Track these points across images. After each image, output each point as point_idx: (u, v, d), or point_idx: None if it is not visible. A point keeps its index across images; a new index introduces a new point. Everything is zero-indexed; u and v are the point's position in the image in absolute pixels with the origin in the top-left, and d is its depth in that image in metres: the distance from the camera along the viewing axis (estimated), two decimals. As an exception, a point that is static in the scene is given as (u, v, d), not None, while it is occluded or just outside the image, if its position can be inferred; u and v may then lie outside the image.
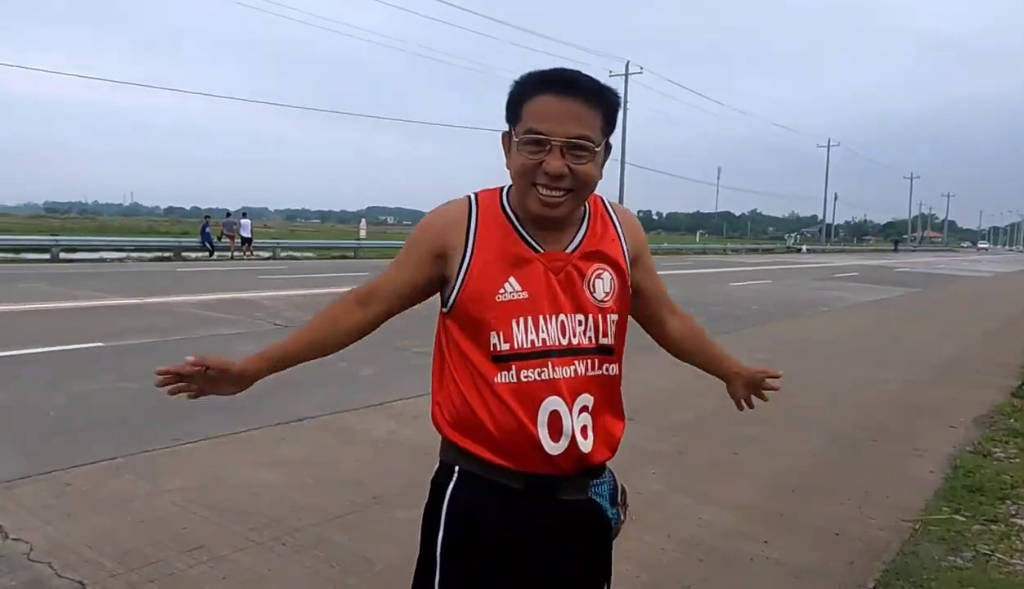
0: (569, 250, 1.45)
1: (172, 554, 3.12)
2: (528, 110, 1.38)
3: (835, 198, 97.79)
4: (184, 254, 25.76)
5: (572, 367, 1.41)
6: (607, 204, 1.57)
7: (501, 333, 1.39)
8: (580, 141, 1.35)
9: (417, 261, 1.48)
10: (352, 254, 29.22)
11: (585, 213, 1.50)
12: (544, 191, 1.37)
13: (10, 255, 22.67)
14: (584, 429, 1.42)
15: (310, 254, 29.23)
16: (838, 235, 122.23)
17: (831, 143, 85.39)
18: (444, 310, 1.48)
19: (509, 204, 1.47)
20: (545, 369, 1.39)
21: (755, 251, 58.36)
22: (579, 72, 1.38)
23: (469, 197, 1.50)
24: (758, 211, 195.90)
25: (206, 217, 29.01)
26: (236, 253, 26.45)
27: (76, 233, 31.30)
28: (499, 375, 1.39)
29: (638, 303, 1.62)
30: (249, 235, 26.88)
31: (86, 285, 14.14)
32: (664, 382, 6.85)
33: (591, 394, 1.43)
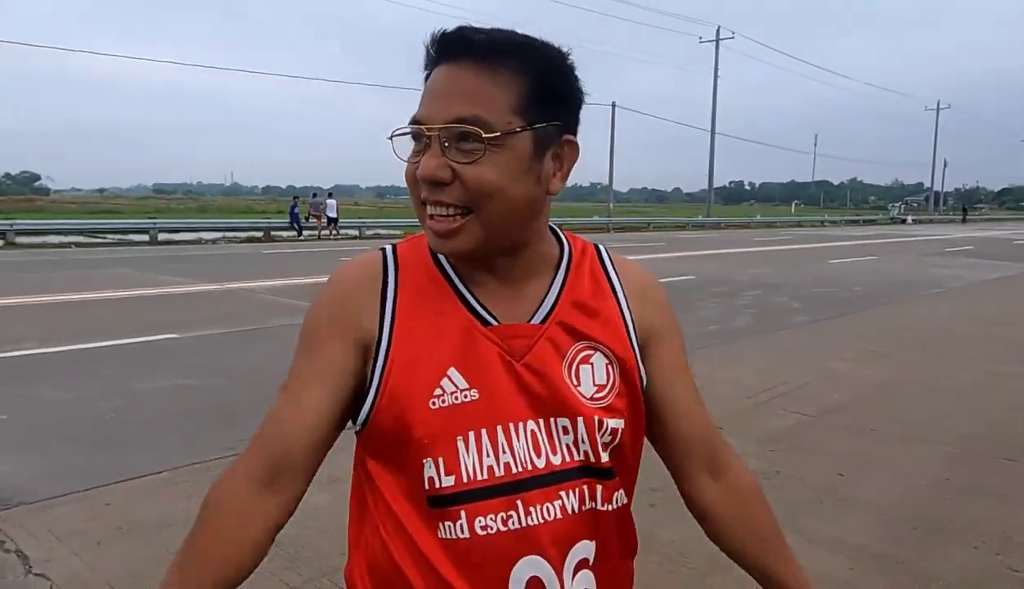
0: (537, 318, 0.95)
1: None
2: (422, 95, 0.91)
3: (944, 165, 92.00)
4: (274, 235, 26.34)
5: (557, 502, 0.92)
6: (605, 254, 1.05)
7: (441, 459, 0.90)
8: (462, 127, 0.85)
9: (330, 360, 0.94)
10: (436, 232, 29.07)
11: (562, 258, 1.00)
12: (431, 209, 0.89)
13: (117, 237, 23.92)
14: None
15: (397, 232, 29.40)
16: (947, 203, 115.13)
17: (940, 106, 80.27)
18: (355, 429, 0.98)
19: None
20: (514, 512, 0.91)
21: (855, 223, 55.51)
22: (487, 28, 0.89)
23: (383, 250, 1.01)
24: (858, 179, 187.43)
25: (295, 198, 29.56)
26: (323, 233, 26.80)
27: (178, 215, 32.69)
28: (441, 527, 0.90)
29: (651, 434, 1.06)
30: (335, 215, 27.14)
31: (172, 269, 14.43)
32: (752, 380, 6.23)
33: (593, 540, 0.95)
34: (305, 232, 26.68)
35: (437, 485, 0.90)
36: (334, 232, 27.02)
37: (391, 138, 0.92)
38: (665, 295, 1.07)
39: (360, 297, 0.95)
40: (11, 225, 21.84)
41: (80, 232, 24.05)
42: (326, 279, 1.01)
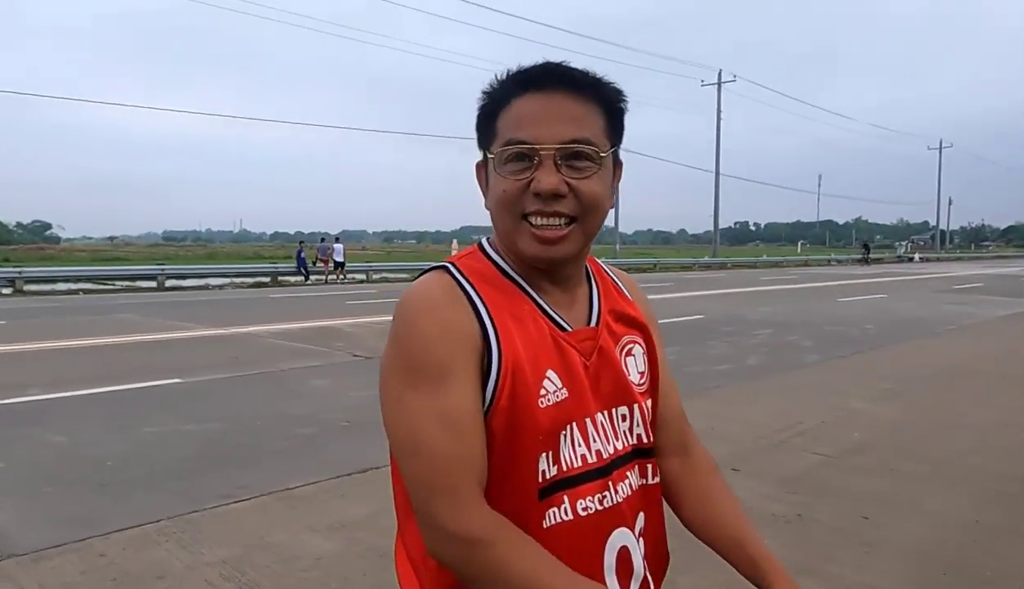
0: (593, 321, 1.10)
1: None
2: (505, 120, 1.01)
3: (949, 203, 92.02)
4: (281, 279, 26.38)
5: (626, 481, 1.09)
6: (600, 263, 1.22)
7: (549, 453, 1.01)
8: (579, 146, 0.99)
9: (467, 381, 0.97)
10: (443, 275, 29.02)
11: (586, 268, 1.16)
12: (539, 220, 0.99)
13: (125, 283, 24.02)
14: (646, 561, 1.12)
15: (404, 276, 29.39)
16: (952, 241, 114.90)
17: (943, 145, 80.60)
18: None
19: (504, 261, 1.08)
20: (607, 492, 1.05)
21: (865, 261, 55.28)
22: (567, 64, 1.03)
23: (443, 269, 1.06)
24: (863, 219, 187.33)
25: (301, 242, 29.67)
26: (330, 277, 26.82)
27: (186, 261, 32.86)
28: (547, 516, 1.00)
29: None
30: (342, 259, 27.20)
31: (178, 315, 14.38)
32: (767, 419, 6.08)
33: (644, 513, 1.13)
34: (312, 276, 26.71)
35: (547, 476, 1.00)
36: (341, 276, 27.05)
37: (492, 155, 1.01)
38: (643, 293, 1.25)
39: (459, 312, 0.99)
40: (20, 273, 21.94)
41: (89, 279, 24.17)
42: (400, 312, 1.01)
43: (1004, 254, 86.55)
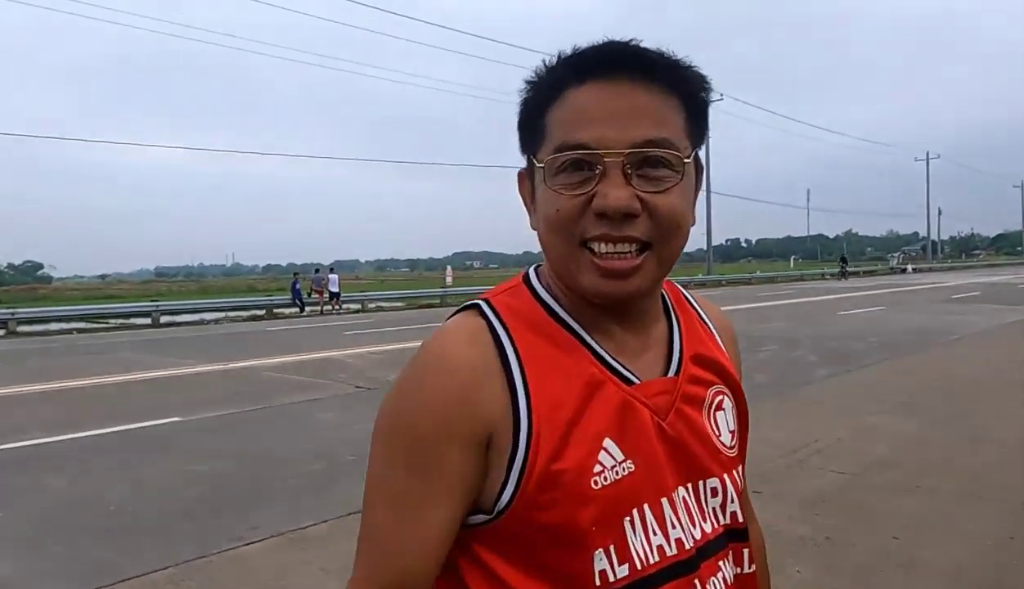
0: (672, 369, 0.86)
1: None
2: (558, 117, 0.78)
3: (939, 213, 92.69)
4: (277, 311, 26.22)
5: (720, 574, 0.85)
6: (680, 289, 0.99)
7: (612, 547, 0.77)
8: (656, 151, 0.76)
9: (452, 472, 0.77)
10: (439, 302, 29.02)
11: (665, 300, 0.93)
12: (604, 247, 0.77)
13: (119, 321, 23.84)
14: None
15: (399, 304, 29.28)
16: (943, 251, 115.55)
17: (930, 156, 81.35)
18: (473, 522, 0.80)
19: (554, 299, 0.85)
20: None
21: (855, 274, 55.42)
22: (637, 42, 0.79)
23: (479, 309, 0.83)
24: (853, 232, 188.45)
25: (295, 274, 29.60)
26: (325, 308, 26.68)
27: (179, 297, 32.72)
28: None
29: None
30: (337, 289, 27.07)
31: (174, 351, 14.22)
32: (782, 437, 5.96)
33: None
34: (308, 307, 26.56)
35: (611, 578, 0.77)
36: (336, 306, 26.92)
37: (540, 163, 0.79)
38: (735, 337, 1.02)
39: (478, 381, 0.78)
40: (12, 314, 21.73)
41: (82, 318, 23.94)
42: (412, 361, 0.81)
43: (995, 262, 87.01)
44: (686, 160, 0.77)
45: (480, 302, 0.84)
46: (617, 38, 0.78)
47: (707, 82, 0.81)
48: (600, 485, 0.76)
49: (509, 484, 0.76)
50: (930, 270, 62.40)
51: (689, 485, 0.83)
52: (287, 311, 26.41)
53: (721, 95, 49.40)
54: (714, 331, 0.95)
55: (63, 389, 9.84)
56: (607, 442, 0.78)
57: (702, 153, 0.85)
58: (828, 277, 50.04)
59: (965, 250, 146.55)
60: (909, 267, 63.34)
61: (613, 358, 0.82)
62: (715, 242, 55.71)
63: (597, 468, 0.76)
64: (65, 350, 15.64)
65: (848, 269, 51.19)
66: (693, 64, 0.80)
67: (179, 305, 27.16)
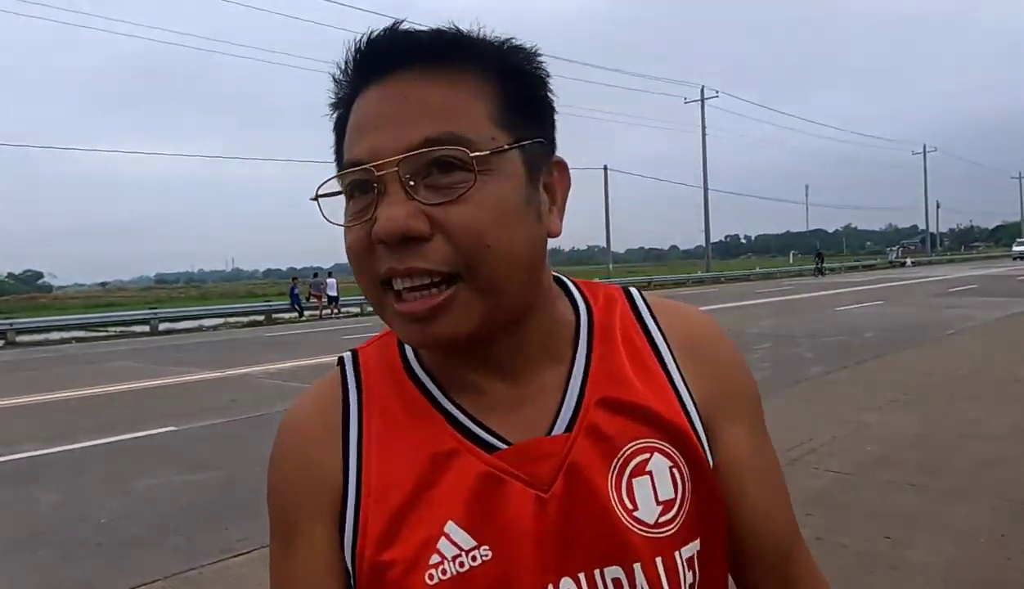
0: (561, 424, 0.67)
1: None
2: (348, 133, 0.64)
3: (937, 206, 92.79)
4: (275, 317, 26.23)
5: None
6: (641, 302, 0.76)
7: None
8: (436, 150, 0.59)
9: (315, 548, 0.68)
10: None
11: (579, 322, 0.73)
12: (400, 283, 0.61)
13: (119, 329, 23.85)
14: None
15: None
16: (943, 244, 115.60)
17: (927, 149, 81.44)
18: None
19: (413, 350, 0.72)
20: None
21: (854, 269, 55.48)
22: (409, 29, 0.64)
23: (341, 360, 0.74)
24: (852, 226, 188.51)
25: (294, 278, 29.58)
26: (324, 312, 26.69)
27: (178, 303, 32.77)
28: None
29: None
30: (336, 294, 27.08)
31: (173, 359, 14.22)
32: (777, 436, 5.87)
33: None
34: (306, 312, 26.57)
35: None
36: (335, 311, 26.92)
37: (316, 198, 0.65)
38: (729, 347, 0.77)
39: (321, 440, 0.69)
40: (11, 324, 21.75)
41: (81, 327, 23.96)
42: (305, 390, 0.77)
43: (993, 254, 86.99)
44: (484, 152, 0.60)
45: (347, 353, 0.75)
46: (390, 23, 0.64)
47: (527, 52, 0.65)
48: (437, 579, 0.62)
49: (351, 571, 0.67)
50: (929, 263, 62.47)
51: (581, 575, 0.64)
52: (286, 316, 26.42)
53: (716, 92, 49.60)
54: (668, 357, 0.72)
55: (59, 400, 9.84)
56: (449, 527, 0.63)
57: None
58: (828, 272, 50.00)
59: (964, 242, 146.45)
60: (908, 260, 63.43)
61: (475, 421, 0.67)
62: (714, 239, 55.91)
63: (434, 559, 0.63)
64: (63, 359, 15.64)
65: (824, 266, 48.46)
66: (502, 36, 0.65)
67: (178, 312, 27.20)
